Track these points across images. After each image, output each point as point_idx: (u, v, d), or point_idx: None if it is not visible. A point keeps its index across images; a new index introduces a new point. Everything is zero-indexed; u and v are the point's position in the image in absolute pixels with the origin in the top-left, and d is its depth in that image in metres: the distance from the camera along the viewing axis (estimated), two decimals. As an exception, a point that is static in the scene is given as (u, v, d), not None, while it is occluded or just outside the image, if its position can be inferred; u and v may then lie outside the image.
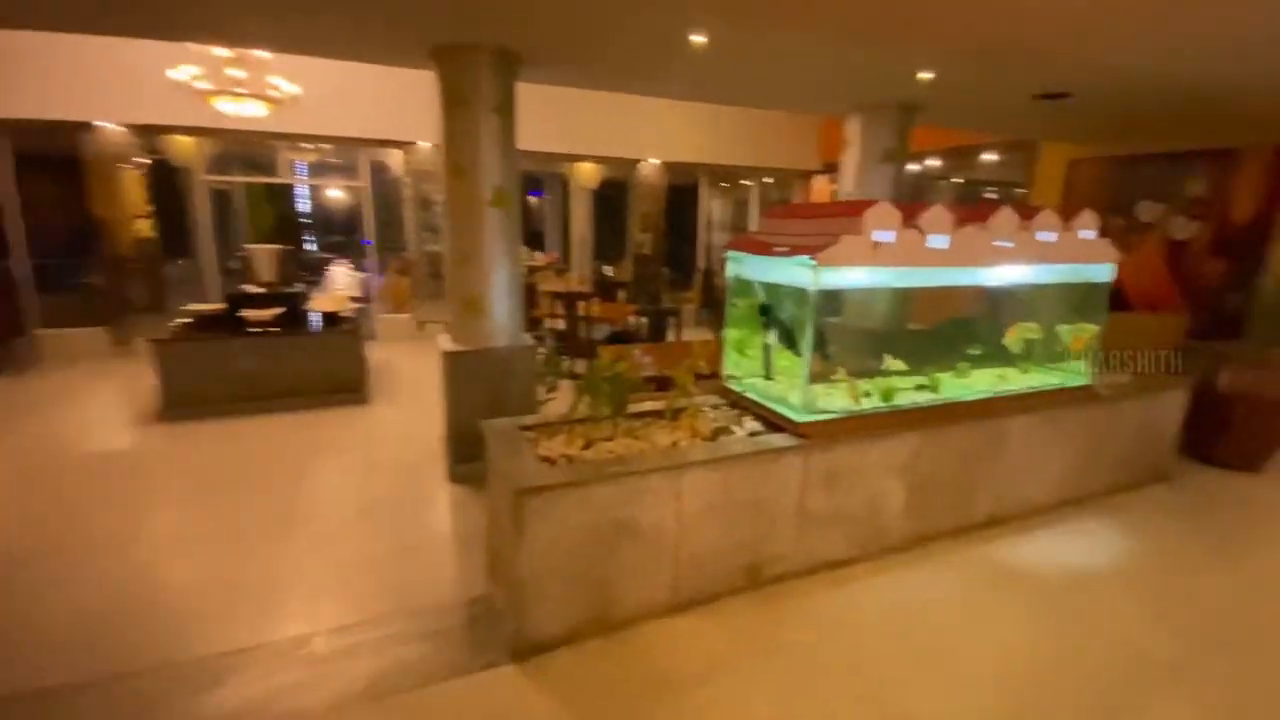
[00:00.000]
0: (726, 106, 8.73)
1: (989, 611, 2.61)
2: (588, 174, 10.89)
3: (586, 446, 2.43)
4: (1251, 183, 5.94)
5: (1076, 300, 3.57)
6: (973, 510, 3.23)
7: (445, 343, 3.99)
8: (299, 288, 6.35)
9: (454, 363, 3.86)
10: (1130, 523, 3.44)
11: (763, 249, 2.80)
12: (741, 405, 3.01)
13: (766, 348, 2.87)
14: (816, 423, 2.66)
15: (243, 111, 6.05)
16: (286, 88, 6.17)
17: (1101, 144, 7.08)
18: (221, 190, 9.68)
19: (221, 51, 5.74)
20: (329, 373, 5.40)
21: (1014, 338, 3.45)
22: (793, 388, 2.85)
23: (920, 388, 3.15)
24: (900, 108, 5.29)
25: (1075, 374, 3.59)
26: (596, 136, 8.93)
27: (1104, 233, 3.45)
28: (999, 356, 3.58)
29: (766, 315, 2.81)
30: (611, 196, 11.17)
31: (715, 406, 3.03)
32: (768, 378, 2.92)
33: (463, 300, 3.91)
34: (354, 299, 7.01)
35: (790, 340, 2.86)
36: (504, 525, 2.19)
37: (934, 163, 9.86)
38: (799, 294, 2.65)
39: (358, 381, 5.60)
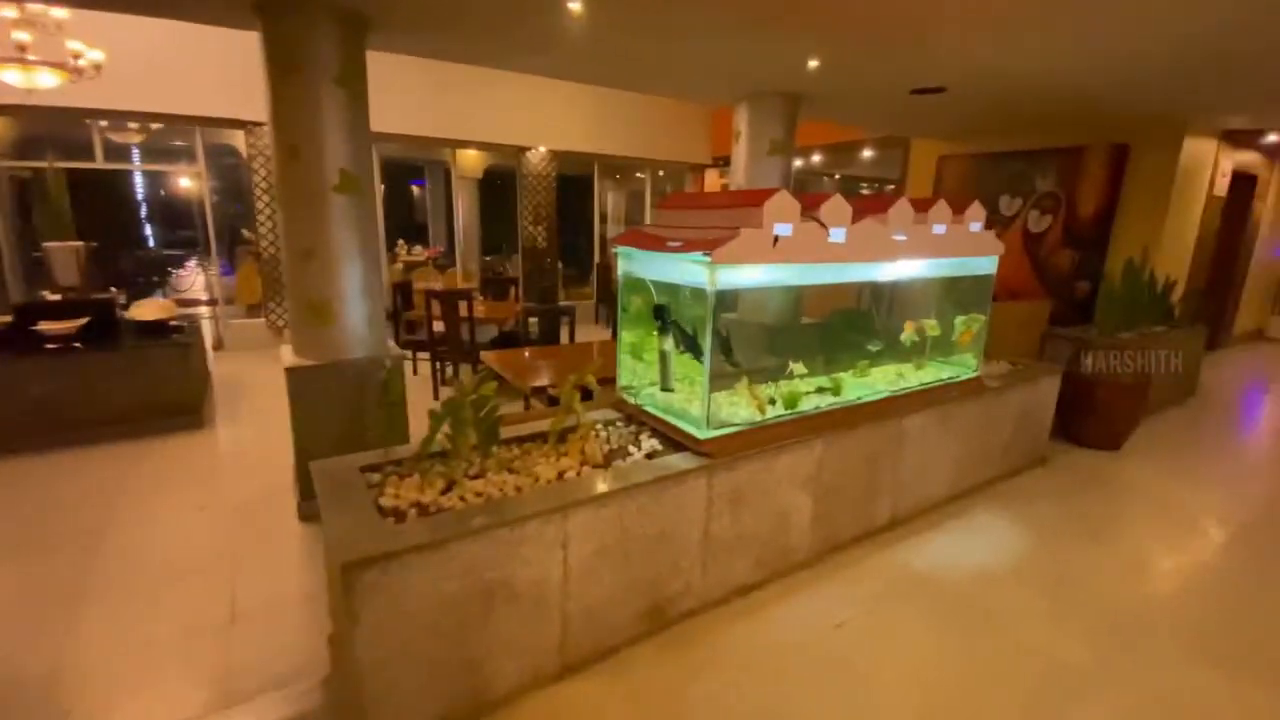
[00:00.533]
0: (619, 95, 8.36)
1: (901, 626, 2.44)
2: (471, 162, 10.13)
3: (447, 489, 1.96)
4: (1094, 178, 6.39)
5: (964, 293, 3.53)
6: (875, 514, 3.08)
7: (288, 356, 3.33)
8: (113, 292, 5.27)
9: (298, 380, 3.22)
10: (1017, 512, 3.45)
11: (655, 244, 2.45)
12: (639, 420, 2.65)
13: (663, 355, 2.52)
14: (721, 438, 2.35)
15: (36, 83, 4.91)
16: (90, 55, 5.07)
17: (967, 141, 7.41)
18: (24, 177, 8.04)
19: (5, 11, 4.59)
20: (155, 394, 4.47)
21: (911, 332, 3.35)
22: (694, 399, 2.53)
23: (822, 390, 2.94)
24: (787, 98, 5.14)
25: (965, 367, 3.55)
26: (478, 121, 8.24)
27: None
28: (895, 352, 3.47)
29: (662, 318, 2.46)
30: (501, 186, 10.49)
31: (609, 423, 2.65)
32: (666, 388, 2.58)
33: (306, 305, 3.26)
34: (203, 302, 5.99)
35: (690, 345, 2.53)
36: (337, 602, 1.69)
37: (817, 159, 10.06)
38: (697, 294, 2.32)
39: (193, 402, 4.70)
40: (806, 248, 2.39)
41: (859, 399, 2.91)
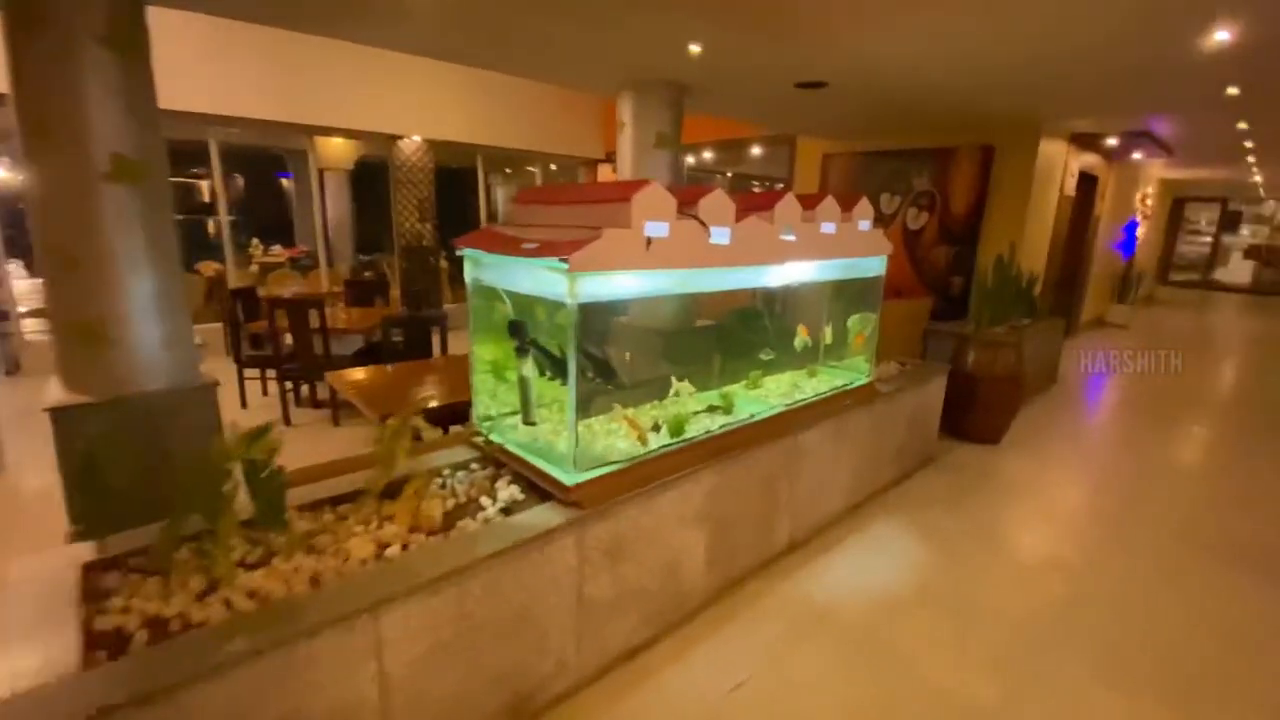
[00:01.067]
0: (504, 82, 7.74)
1: (805, 676, 2.14)
2: (339, 152, 9.10)
3: (210, 590, 1.41)
4: (965, 177, 6.60)
5: (855, 295, 3.34)
6: (775, 539, 2.80)
7: (53, 391, 2.56)
8: None
9: (66, 424, 2.47)
10: (912, 520, 3.31)
11: (507, 246, 1.98)
12: (499, 461, 2.18)
13: (523, 381, 2.07)
14: (594, 481, 1.94)
15: None
16: None
17: (850, 140, 7.48)
18: None
19: None
20: (-118, 440, 3.43)
21: (805, 338, 3.10)
22: (563, 432, 2.10)
23: (713, 409, 2.60)
24: (672, 88, 4.82)
25: (858, 372, 3.37)
26: (340, 105, 7.32)
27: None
28: (788, 358, 3.22)
29: (519, 337, 2.01)
30: (376, 179, 9.51)
31: (461, 467, 2.16)
32: (528, 421, 2.13)
33: (73, 327, 2.51)
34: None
35: (557, 369, 2.10)
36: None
37: (709, 155, 9.92)
38: (556, 308, 1.89)
39: (-56, 447, 3.67)
40: (685, 250, 2.02)
41: (753, 416, 2.60)
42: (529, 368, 2.02)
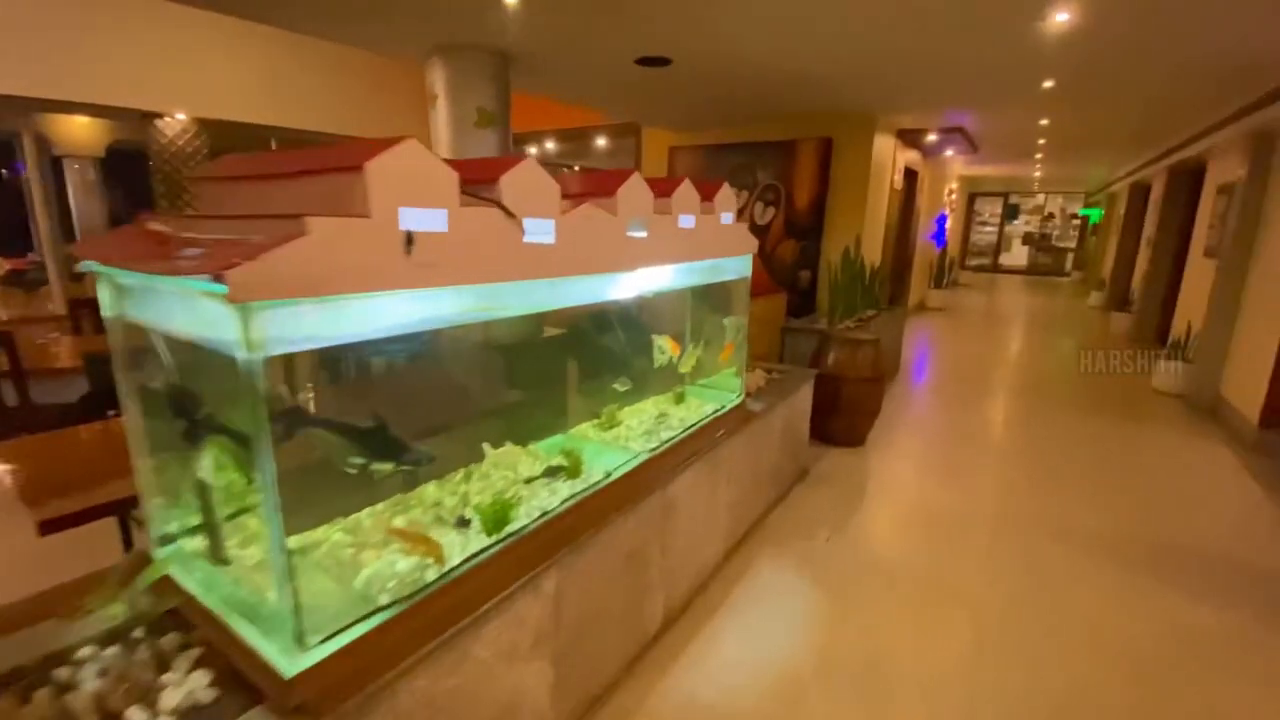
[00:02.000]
0: (299, 50, 6.37)
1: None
2: (83, 134, 7.09)
3: None
4: (807, 171, 6.49)
5: (720, 302, 2.79)
6: (645, 626, 2.15)
7: None
8: None
9: None
10: (798, 555, 2.85)
11: (149, 255, 1.09)
12: (189, 621, 1.27)
13: (202, 489, 1.19)
14: (342, 656, 1.12)
15: None
16: None
17: (695, 132, 7.11)
18: None
19: None
20: None
21: (671, 353, 2.47)
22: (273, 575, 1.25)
23: (554, 471, 1.87)
24: (493, 56, 3.99)
25: (728, 391, 2.83)
26: (75, 74, 5.52)
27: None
28: (648, 384, 2.59)
29: (185, 414, 1.13)
30: (140, 169, 7.52)
31: (119, 636, 1.23)
32: (219, 560, 1.25)
33: None
34: None
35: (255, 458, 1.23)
36: None
37: (551, 146, 9.14)
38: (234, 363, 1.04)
39: None
40: (482, 254, 1.26)
41: (609, 476, 1.91)
42: (207, 464, 1.15)
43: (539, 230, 1.37)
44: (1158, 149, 7.42)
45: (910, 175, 8.23)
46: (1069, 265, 17.04)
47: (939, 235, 10.79)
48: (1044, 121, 6.18)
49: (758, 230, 6.81)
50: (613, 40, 3.79)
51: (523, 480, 1.80)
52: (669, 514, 2.17)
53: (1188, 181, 7.26)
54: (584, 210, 1.57)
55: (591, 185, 1.75)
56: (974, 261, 17.92)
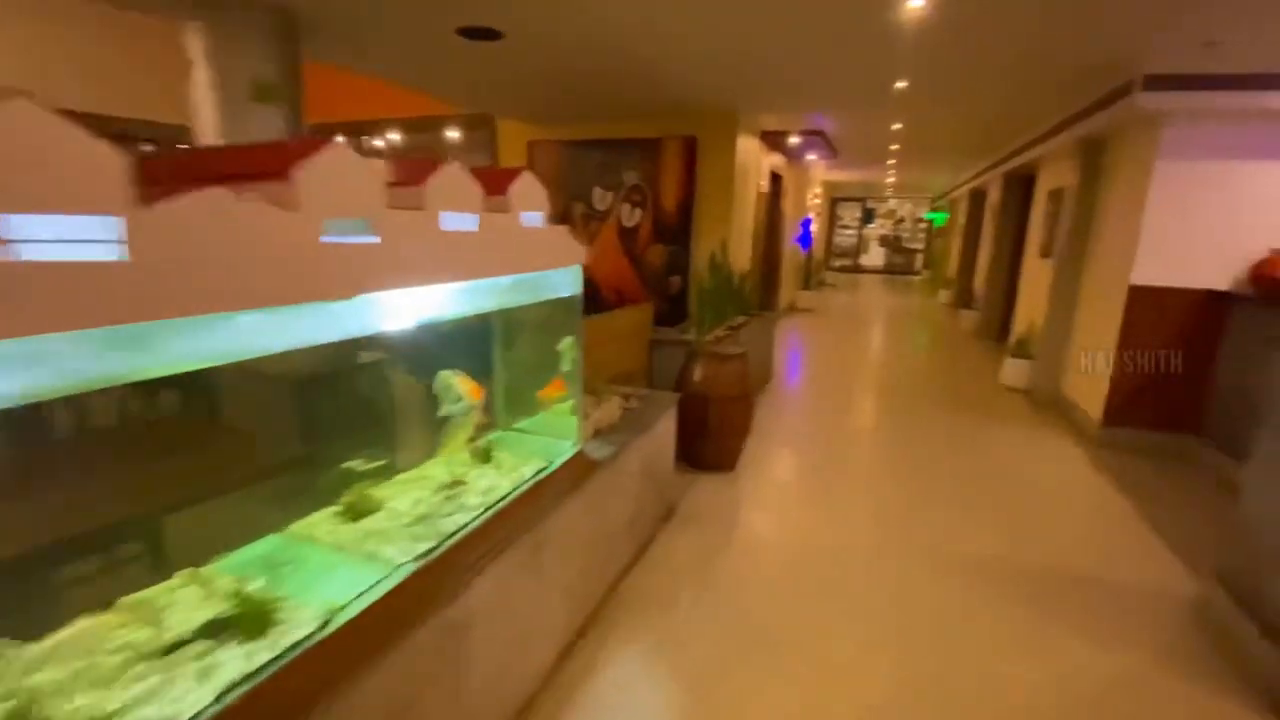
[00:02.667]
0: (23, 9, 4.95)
1: None
2: None
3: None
4: (673, 171, 6.07)
5: (543, 326, 2.17)
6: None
7: None
8: None
9: None
10: (657, 639, 2.29)
11: None
12: None
13: None
14: None
15: None
16: None
17: (555, 126, 6.47)
18: None
19: None
20: None
21: (469, 400, 1.80)
22: None
23: (215, 632, 1.14)
24: (271, 13, 3.11)
25: (560, 438, 2.22)
26: None
27: (567, 220, 2.14)
28: (427, 442, 1.90)
29: None
30: None
31: None
32: None
33: None
34: None
35: None
36: None
37: (397, 137, 8.08)
38: None
39: None
40: (191, 283, 0.54)
41: (327, 625, 1.21)
42: None
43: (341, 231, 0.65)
44: (995, 157, 7.83)
45: (776, 179, 8.12)
46: (919, 265, 18.34)
47: (804, 238, 10.95)
48: (896, 126, 6.20)
49: (626, 233, 6.30)
50: (425, 1, 3.05)
51: (159, 652, 1.06)
52: (461, 638, 1.50)
53: (1020, 187, 7.71)
54: (201, 199, 0.86)
55: (247, 162, 1.04)
56: (838, 262, 18.81)
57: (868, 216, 18.45)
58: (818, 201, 12.36)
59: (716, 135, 5.82)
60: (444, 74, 4.61)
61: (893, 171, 11.11)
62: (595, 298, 6.54)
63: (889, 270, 18.70)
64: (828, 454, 4.21)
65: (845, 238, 18.75)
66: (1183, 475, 3.83)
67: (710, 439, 3.64)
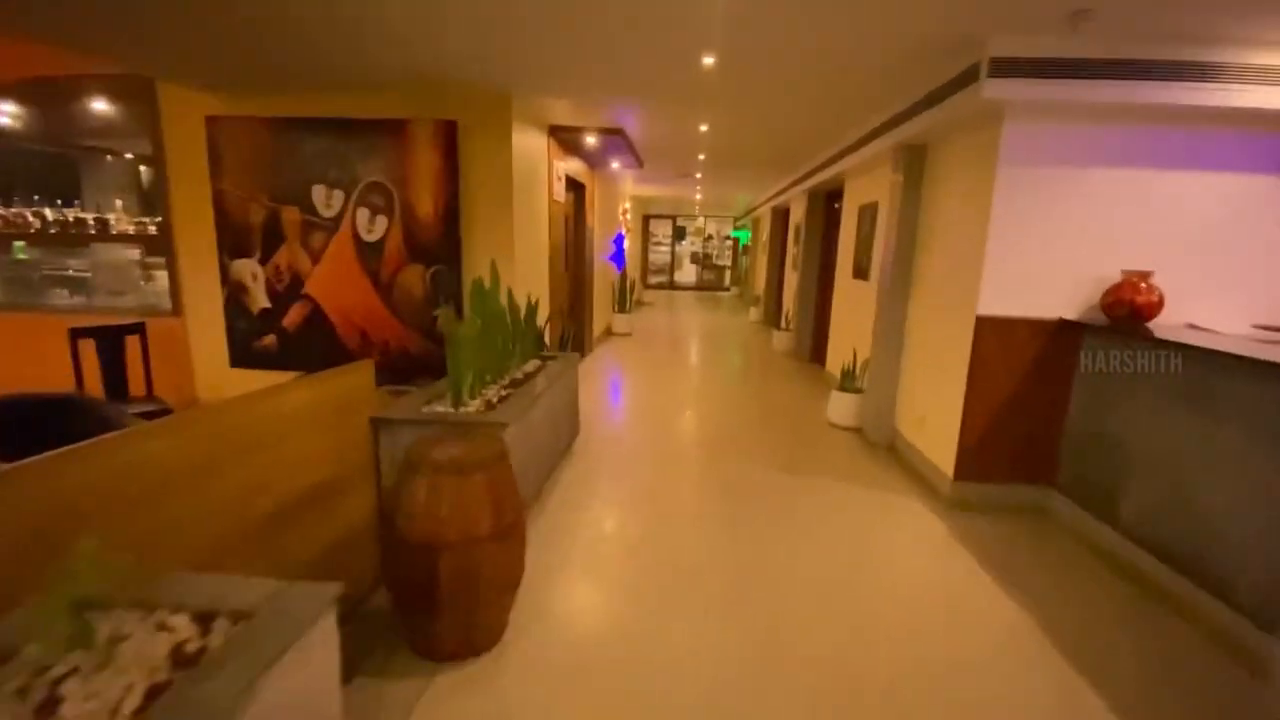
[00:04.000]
0: None
1: None
2: None
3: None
4: (427, 165, 4.38)
5: None
6: None
7: None
8: None
9: None
10: None
11: None
12: None
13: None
14: None
15: None
16: None
17: (249, 95, 4.38)
18: None
19: None
20: None
21: None
22: None
23: None
24: None
25: None
26: None
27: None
28: None
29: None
30: None
31: None
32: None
33: None
34: None
35: None
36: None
37: (10, 108, 5.25)
38: None
39: None
40: None
41: None
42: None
43: None
44: (799, 172, 7.33)
45: (577, 188, 6.80)
46: (728, 281, 18.56)
47: (618, 256, 9.85)
48: (704, 128, 5.20)
49: (367, 250, 4.44)
50: None
51: None
52: None
53: (825, 204, 7.30)
54: None
55: None
56: (654, 280, 18.33)
57: (680, 234, 18.24)
58: (628, 217, 11.41)
59: (485, 121, 4.27)
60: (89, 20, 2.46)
61: (700, 188, 10.52)
62: (331, 340, 4.58)
63: (701, 287, 18.68)
64: (639, 569, 2.83)
65: (660, 254, 18.34)
66: (1043, 536, 3.14)
67: (445, 612, 2.04)
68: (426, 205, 4.34)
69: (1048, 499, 3.38)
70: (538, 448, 3.27)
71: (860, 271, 5.39)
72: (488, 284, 3.48)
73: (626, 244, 10.99)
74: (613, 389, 6.11)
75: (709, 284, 18.68)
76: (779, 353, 8.31)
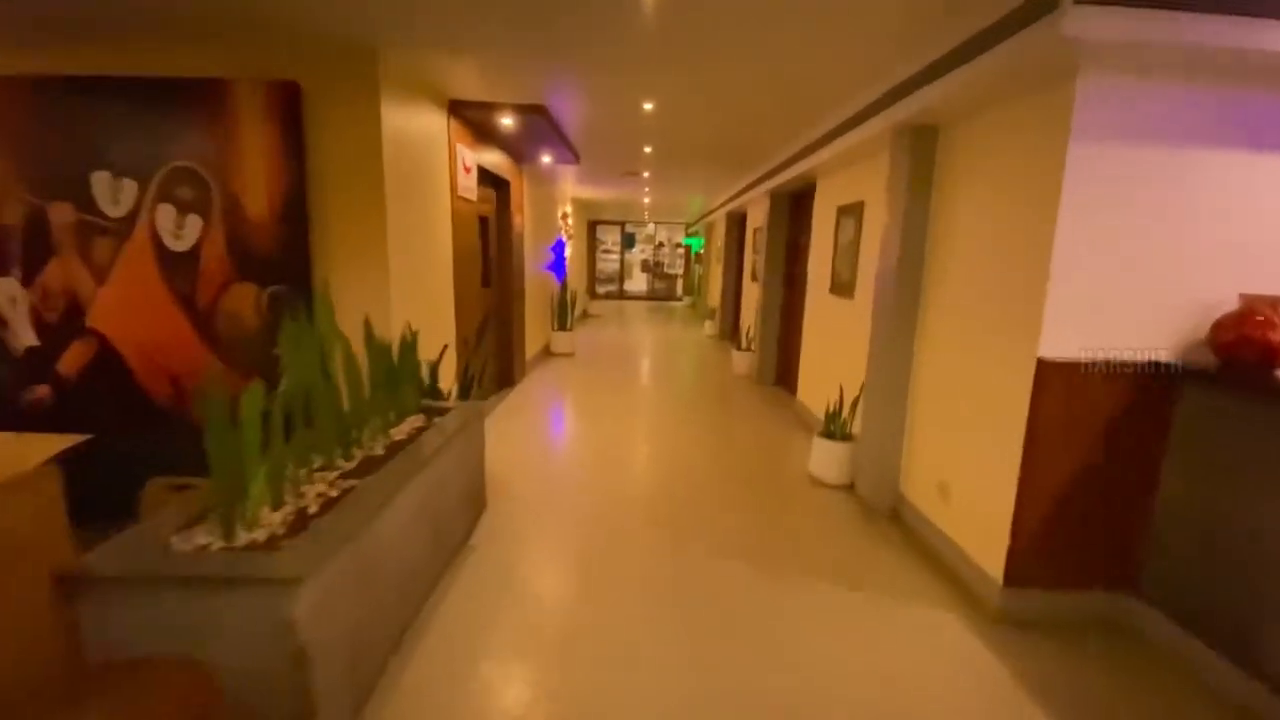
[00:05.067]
0: None
1: None
2: None
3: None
4: (259, 145, 3.13)
5: None
6: None
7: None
8: None
9: None
10: None
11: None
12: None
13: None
14: None
15: None
16: None
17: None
18: None
19: None
20: None
21: None
22: None
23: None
24: None
25: None
26: None
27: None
28: None
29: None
30: None
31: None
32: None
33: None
34: None
35: None
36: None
37: None
38: None
39: None
40: None
41: None
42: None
43: None
44: (761, 170, 6.36)
45: (499, 184, 5.60)
46: (680, 290, 17.63)
47: (558, 265, 8.68)
48: (648, 106, 4.11)
49: (175, 263, 3.12)
50: None
51: None
52: None
53: (791, 206, 6.35)
54: None
55: None
56: (603, 289, 17.23)
57: (629, 241, 17.19)
58: (569, 222, 10.25)
59: (341, 85, 3.05)
60: None
61: (648, 190, 9.48)
62: (128, 391, 3.23)
63: (652, 296, 17.68)
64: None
65: (609, 263, 17.25)
66: (1126, 667, 2.17)
67: None
68: (259, 201, 3.07)
69: (1125, 610, 2.41)
70: (392, 580, 2.07)
71: (841, 287, 4.42)
72: (313, 314, 2.26)
73: (569, 252, 9.83)
74: (541, 432, 4.93)
75: (661, 294, 17.71)
76: (740, 376, 7.31)
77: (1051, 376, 2.24)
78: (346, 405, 2.40)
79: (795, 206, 6.22)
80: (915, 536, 3.16)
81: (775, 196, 6.34)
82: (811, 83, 3.37)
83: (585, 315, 13.34)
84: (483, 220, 5.27)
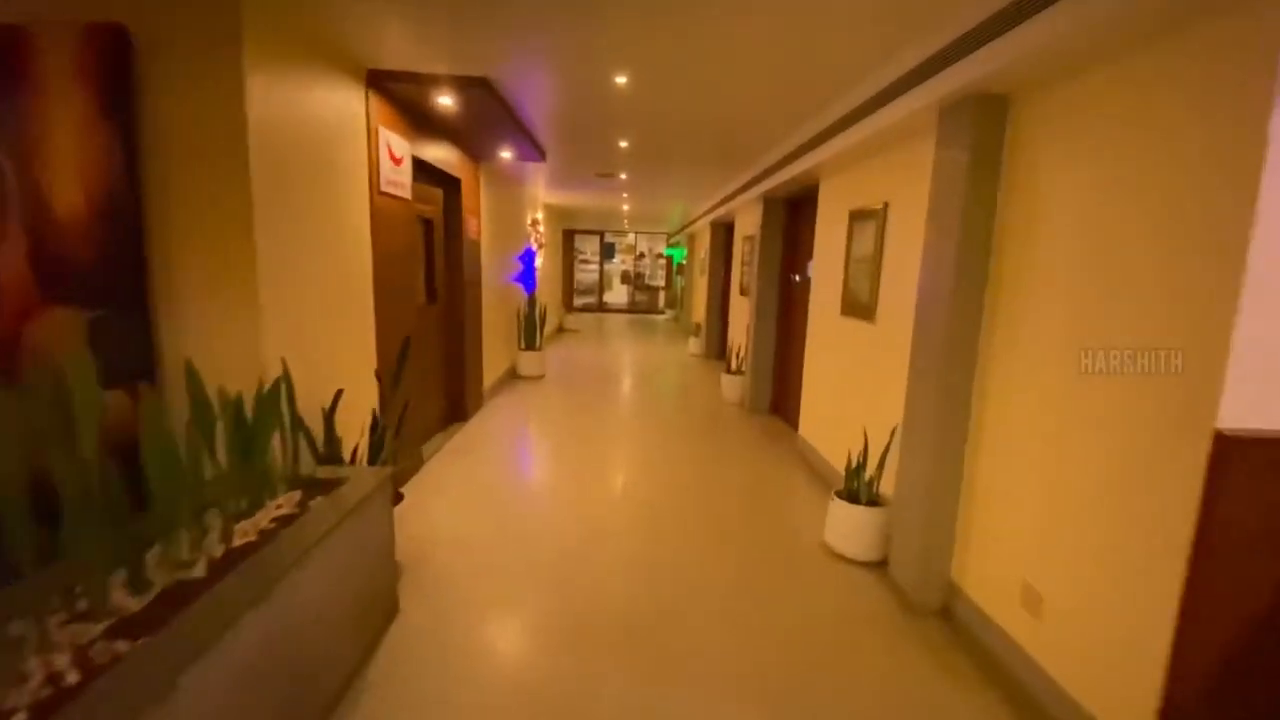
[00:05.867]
0: None
1: None
2: None
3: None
4: (68, 118, 2.26)
5: None
6: None
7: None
8: None
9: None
10: None
11: None
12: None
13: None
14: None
15: None
16: None
17: None
18: None
19: None
20: None
21: None
22: None
23: None
24: None
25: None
26: None
27: None
28: None
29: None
30: None
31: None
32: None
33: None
34: None
35: None
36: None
37: None
38: None
39: None
40: None
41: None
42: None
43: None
44: (754, 170, 5.59)
45: (448, 183, 4.75)
46: (662, 303, 16.89)
47: (526, 276, 7.82)
48: (621, 80, 3.30)
49: (-43, 280, 2.20)
50: None
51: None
52: None
53: (787, 212, 5.59)
54: None
55: None
56: (581, 301, 16.41)
57: (609, 251, 16.40)
58: (541, 229, 9.41)
59: (186, 33, 2.17)
60: None
61: (627, 194, 8.69)
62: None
63: (633, 309, 16.89)
64: None
65: (587, 274, 16.43)
66: None
67: None
68: (72, 194, 2.18)
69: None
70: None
71: (857, 308, 3.64)
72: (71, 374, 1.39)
73: (540, 262, 8.98)
74: (488, 484, 4.04)
75: (642, 306, 16.93)
76: (730, 403, 6.50)
77: (1240, 457, 1.45)
78: (154, 499, 1.53)
79: (793, 212, 5.47)
80: (979, 649, 2.35)
81: (769, 201, 5.58)
82: (829, 39, 2.58)
83: (561, 330, 12.50)
84: (426, 223, 4.41)
